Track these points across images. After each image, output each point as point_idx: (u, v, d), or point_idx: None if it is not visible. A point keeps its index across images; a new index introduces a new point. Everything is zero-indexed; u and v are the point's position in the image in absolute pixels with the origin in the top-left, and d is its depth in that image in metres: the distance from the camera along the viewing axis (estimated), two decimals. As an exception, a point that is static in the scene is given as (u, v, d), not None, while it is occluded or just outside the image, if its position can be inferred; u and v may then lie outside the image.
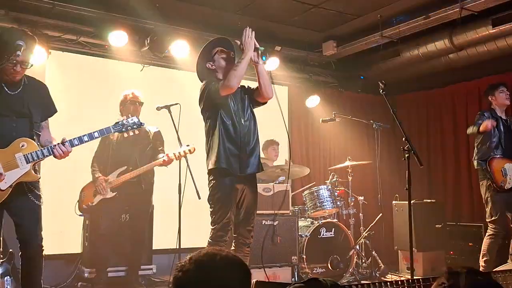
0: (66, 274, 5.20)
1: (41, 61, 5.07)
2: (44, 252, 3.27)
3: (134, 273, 4.95)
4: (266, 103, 3.91)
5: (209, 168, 3.73)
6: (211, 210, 3.74)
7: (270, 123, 6.99)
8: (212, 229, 3.69)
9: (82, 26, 5.38)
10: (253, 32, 3.62)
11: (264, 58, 3.66)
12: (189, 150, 4.62)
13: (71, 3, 5.14)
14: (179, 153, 4.59)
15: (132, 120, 3.52)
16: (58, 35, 5.31)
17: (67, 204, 5.06)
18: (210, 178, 3.75)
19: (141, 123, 3.57)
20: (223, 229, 3.63)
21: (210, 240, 3.68)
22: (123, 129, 3.46)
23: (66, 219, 5.23)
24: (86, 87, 5.77)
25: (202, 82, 3.86)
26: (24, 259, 3.19)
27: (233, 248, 3.77)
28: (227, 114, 3.68)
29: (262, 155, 6.34)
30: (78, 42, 5.46)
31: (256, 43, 3.63)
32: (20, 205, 3.13)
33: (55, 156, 3.15)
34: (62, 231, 5.28)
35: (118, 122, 3.47)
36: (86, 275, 4.91)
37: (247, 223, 3.76)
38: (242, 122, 3.73)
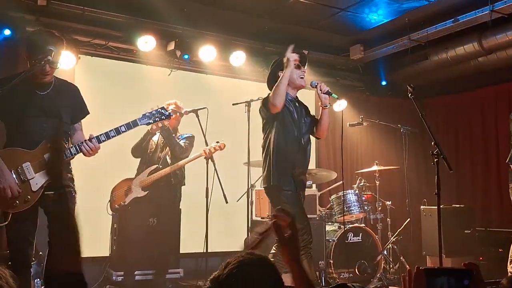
0: (93, 277, 5.20)
1: (70, 66, 5.16)
2: None
3: (161, 277, 4.97)
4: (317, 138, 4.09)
5: None
6: None
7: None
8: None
9: (111, 31, 5.49)
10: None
11: (333, 95, 3.79)
12: (219, 146, 4.71)
13: (101, 8, 5.24)
14: (209, 149, 4.69)
15: (159, 110, 3.50)
16: (88, 40, 5.42)
17: (95, 206, 5.14)
18: None
19: (169, 113, 3.58)
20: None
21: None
22: (150, 121, 3.45)
23: (94, 221, 5.32)
24: (115, 91, 5.88)
25: (269, 89, 3.95)
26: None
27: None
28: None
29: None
30: (107, 47, 5.57)
31: (328, 89, 3.77)
32: (55, 197, 3.13)
33: (84, 154, 3.15)
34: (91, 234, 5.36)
35: (145, 113, 3.45)
36: (114, 278, 4.97)
37: None
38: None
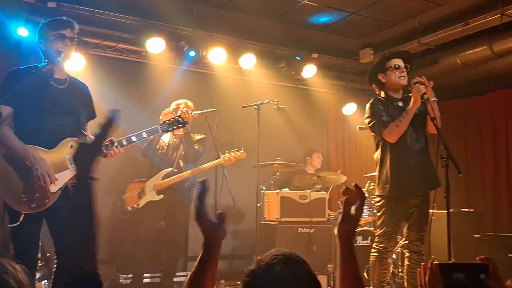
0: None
1: (79, 67, 5.18)
2: None
3: (169, 280, 4.99)
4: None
5: None
6: None
7: (312, 130, 7.06)
8: None
9: (121, 33, 5.51)
10: (427, 86, 3.66)
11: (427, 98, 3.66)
12: (240, 156, 4.78)
13: (110, 10, 5.27)
14: (229, 158, 4.74)
15: (176, 119, 3.61)
16: (97, 41, 5.44)
17: (101, 207, 5.17)
18: None
19: (185, 122, 3.68)
20: None
21: None
22: (169, 129, 3.56)
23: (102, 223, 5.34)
24: (124, 92, 5.86)
25: (370, 84, 4.08)
26: (61, 273, 3.01)
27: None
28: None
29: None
30: (116, 49, 5.59)
31: (424, 92, 3.65)
32: (67, 216, 2.86)
33: (105, 156, 3.14)
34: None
35: (165, 122, 3.56)
36: (121, 280, 4.99)
37: None
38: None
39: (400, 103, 3.96)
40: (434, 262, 1.48)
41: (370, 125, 3.94)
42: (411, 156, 3.84)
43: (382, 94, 4.03)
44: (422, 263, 1.56)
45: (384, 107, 3.90)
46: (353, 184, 1.69)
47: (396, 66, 3.93)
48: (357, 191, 1.62)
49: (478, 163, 7.08)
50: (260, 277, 1.36)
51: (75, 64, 5.05)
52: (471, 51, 5.95)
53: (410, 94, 3.90)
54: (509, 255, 5.74)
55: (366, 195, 5.62)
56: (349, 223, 1.61)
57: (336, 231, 5.36)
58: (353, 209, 1.61)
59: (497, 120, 6.87)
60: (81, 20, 5.20)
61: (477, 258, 1.53)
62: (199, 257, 1.54)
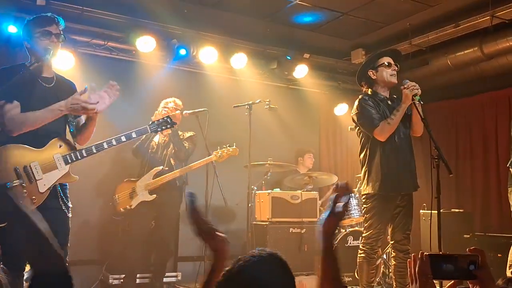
0: (88, 280, 5.19)
1: (69, 66, 5.12)
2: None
3: (159, 281, 4.95)
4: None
5: None
6: None
7: (303, 130, 7.06)
8: None
9: (110, 31, 5.47)
10: (415, 86, 3.70)
11: (418, 98, 3.71)
12: (232, 152, 4.77)
13: (100, 8, 5.23)
14: (221, 154, 4.71)
15: (165, 119, 3.59)
16: (86, 40, 5.39)
17: (91, 208, 5.12)
18: None
19: (174, 122, 3.66)
20: None
21: None
22: (158, 129, 3.53)
23: (90, 224, 5.30)
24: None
25: (359, 83, 4.06)
26: None
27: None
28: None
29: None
30: (106, 47, 5.54)
31: (417, 92, 3.69)
32: (53, 216, 2.92)
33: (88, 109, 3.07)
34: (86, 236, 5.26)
35: (154, 122, 3.53)
36: (111, 281, 4.96)
37: None
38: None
39: (389, 102, 3.97)
40: (425, 254, 1.48)
41: (360, 122, 3.92)
42: (400, 155, 3.85)
43: (370, 91, 4.00)
44: (413, 254, 1.55)
45: (373, 104, 3.89)
46: (346, 182, 1.69)
47: (388, 63, 3.93)
48: (347, 189, 1.63)
49: (468, 164, 7.11)
50: (233, 274, 1.34)
51: (64, 63, 5.00)
52: (462, 53, 5.98)
53: (395, 96, 3.92)
54: (499, 255, 5.78)
55: (357, 195, 5.64)
56: (335, 219, 1.61)
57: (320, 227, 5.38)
58: (340, 206, 1.62)
59: (487, 122, 6.90)
60: (71, 18, 5.19)
61: (467, 249, 1.54)
62: (209, 269, 1.60)
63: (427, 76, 6.58)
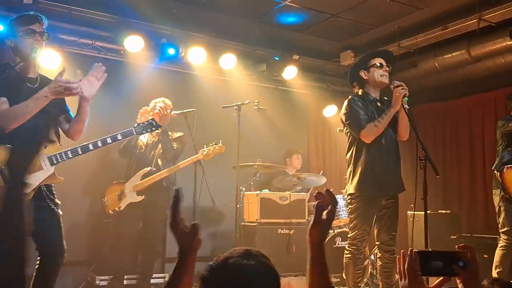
0: (74, 281, 5.14)
1: (56, 65, 5.06)
2: None
3: (146, 282, 4.92)
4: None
5: None
6: None
7: (292, 132, 7.06)
8: None
9: (98, 30, 5.44)
10: (404, 90, 3.71)
11: (407, 99, 3.74)
12: (218, 149, 4.74)
13: (87, 7, 5.20)
14: (208, 152, 4.69)
15: (150, 121, 3.59)
16: (74, 39, 5.34)
17: (78, 209, 5.08)
18: None
19: (158, 125, 3.66)
20: None
21: None
22: (143, 131, 3.54)
23: (77, 225, 5.25)
24: (101, 90, 5.72)
25: (351, 83, 4.07)
26: (43, 271, 3.04)
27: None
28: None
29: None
30: (94, 47, 5.50)
31: (406, 92, 3.71)
32: (42, 214, 3.01)
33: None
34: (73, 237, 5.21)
35: (139, 124, 3.54)
36: (97, 282, 4.92)
37: None
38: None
39: (379, 104, 3.99)
40: (414, 250, 1.49)
41: (347, 122, 3.94)
42: (385, 157, 3.87)
43: (360, 92, 4.02)
44: (402, 251, 1.55)
45: (362, 105, 3.91)
46: (325, 189, 1.67)
47: (380, 64, 3.95)
48: (329, 196, 1.60)
49: (455, 166, 7.17)
50: (215, 270, 1.33)
51: (51, 62, 4.95)
52: (449, 55, 6.03)
53: (386, 98, 3.94)
54: (485, 256, 5.83)
55: (345, 196, 5.64)
56: (320, 228, 1.58)
57: (307, 236, 5.38)
58: (324, 214, 1.58)
59: (474, 124, 6.97)
60: (58, 16, 5.15)
61: (456, 246, 1.55)
62: (174, 265, 1.53)
63: (415, 78, 6.63)
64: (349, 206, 3.99)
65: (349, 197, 3.98)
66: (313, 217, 1.60)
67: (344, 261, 3.98)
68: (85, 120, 3.16)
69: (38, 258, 3.06)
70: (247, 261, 1.33)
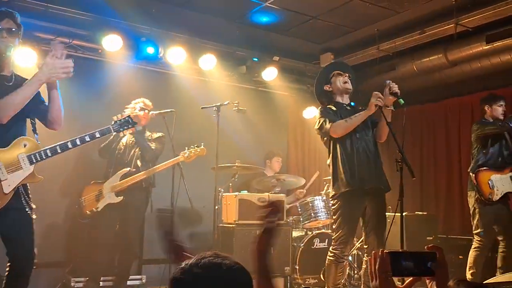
0: (49, 283, 5.06)
1: (32, 63, 4.97)
2: None
3: (123, 283, 4.87)
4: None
5: None
6: None
7: (272, 133, 7.06)
8: None
9: (76, 29, 5.36)
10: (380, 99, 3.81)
11: (400, 100, 3.81)
12: (200, 152, 4.71)
13: (65, 5, 5.12)
14: (189, 154, 4.66)
15: (127, 119, 3.56)
16: (50, 37, 5.23)
17: (50, 210, 5.00)
18: None
19: (134, 122, 3.63)
20: None
21: None
22: (120, 129, 3.50)
23: (54, 226, 5.18)
24: (79, 90, 5.63)
25: (320, 103, 4.16)
26: (14, 276, 2.95)
27: None
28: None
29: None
30: (71, 45, 5.41)
31: (398, 91, 3.81)
32: (16, 217, 2.94)
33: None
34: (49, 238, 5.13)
35: (116, 122, 3.50)
36: (73, 284, 4.85)
37: None
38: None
39: (348, 107, 4.07)
40: (385, 251, 1.50)
41: (319, 125, 3.98)
42: (363, 156, 3.92)
43: (332, 105, 4.11)
44: (373, 252, 1.56)
45: (334, 112, 4.00)
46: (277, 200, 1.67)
47: (339, 73, 4.08)
48: (278, 206, 1.59)
49: (432, 168, 7.27)
50: (181, 281, 1.30)
51: (26, 60, 4.87)
52: (427, 59, 6.11)
53: (360, 108, 4.01)
54: (460, 257, 5.92)
55: (324, 197, 5.68)
56: (267, 237, 1.57)
57: (294, 233, 5.43)
58: (272, 223, 1.57)
59: (451, 127, 7.07)
60: (35, 14, 5.08)
61: (425, 247, 1.57)
62: None
63: (393, 81, 6.65)
64: (332, 208, 4.03)
65: (331, 198, 4.02)
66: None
67: (327, 262, 3.99)
68: (60, 105, 3.10)
69: (8, 264, 2.98)
70: (220, 260, 1.31)
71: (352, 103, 4.15)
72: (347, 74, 4.09)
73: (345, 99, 4.11)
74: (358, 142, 3.92)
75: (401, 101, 3.82)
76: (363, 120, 3.85)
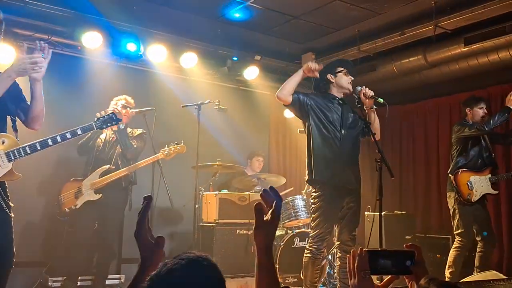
0: (26, 282, 4.99)
1: (10, 60, 4.78)
2: None
3: (101, 283, 4.81)
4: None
5: None
6: None
7: (254, 135, 7.06)
8: None
9: (55, 25, 5.29)
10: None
11: (379, 99, 3.91)
12: (179, 149, 4.68)
13: (44, 1, 5.05)
14: (169, 151, 4.63)
15: (110, 116, 3.52)
16: (29, 34, 5.16)
17: (28, 208, 4.93)
18: None
19: (119, 119, 3.61)
20: None
21: None
22: (103, 126, 3.46)
23: (31, 225, 5.10)
24: (58, 87, 5.53)
25: (316, 85, 4.25)
26: None
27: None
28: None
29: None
30: (50, 42, 5.29)
31: (372, 94, 3.91)
32: None
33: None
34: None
35: (99, 118, 3.46)
36: (50, 283, 4.79)
37: None
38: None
39: (340, 102, 4.12)
40: (364, 250, 1.51)
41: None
42: (336, 153, 3.96)
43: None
44: (352, 250, 1.57)
45: (314, 96, 4.11)
46: (269, 186, 1.62)
47: (347, 72, 4.15)
48: (273, 193, 1.53)
49: (411, 168, 7.36)
50: (160, 278, 1.26)
51: (5, 56, 4.78)
52: (407, 60, 6.18)
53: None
54: (438, 255, 6.01)
55: (304, 197, 5.70)
56: (265, 230, 1.50)
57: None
58: (268, 214, 1.51)
59: (429, 128, 7.16)
60: (13, 10, 4.99)
61: (404, 246, 1.58)
62: (133, 276, 1.49)
63: (374, 82, 6.73)
64: (312, 206, 4.05)
65: (312, 197, 4.05)
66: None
67: (304, 260, 4.02)
68: (41, 104, 3.04)
69: None
70: (189, 270, 1.27)
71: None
72: (352, 78, 4.17)
73: (339, 94, 4.17)
74: (339, 141, 3.97)
75: (380, 100, 3.89)
76: (297, 79, 3.99)
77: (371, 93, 3.91)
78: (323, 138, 3.96)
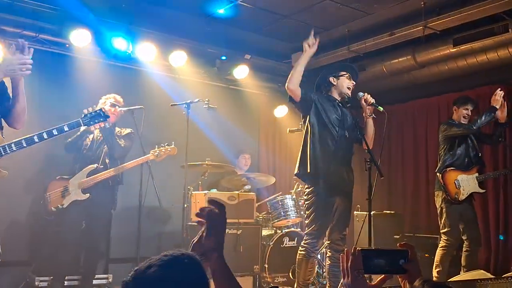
0: (12, 283, 4.95)
1: None
2: None
3: (88, 283, 4.77)
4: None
5: None
6: None
7: (243, 131, 7.04)
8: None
9: (42, 23, 5.23)
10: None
11: (379, 107, 4.01)
12: (170, 151, 4.65)
13: (32, -1, 4.98)
14: (159, 153, 4.59)
15: (98, 112, 3.48)
16: (17, 31, 5.09)
17: (14, 207, 4.88)
18: None
19: (107, 115, 3.58)
20: None
21: None
22: (91, 122, 3.43)
23: (17, 224, 5.05)
24: (46, 85, 5.47)
25: (317, 85, 4.28)
26: None
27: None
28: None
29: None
30: (37, 40, 5.28)
31: (374, 101, 4.01)
32: None
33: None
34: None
35: (87, 115, 3.43)
36: (37, 283, 4.74)
37: None
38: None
39: (340, 104, 4.17)
40: (357, 248, 1.50)
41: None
42: (332, 151, 4.00)
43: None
44: (345, 249, 1.56)
45: (318, 96, 4.11)
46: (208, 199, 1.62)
47: (349, 76, 4.20)
48: (212, 205, 1.54)
49: (400, 168, 7.40)
50: (142, 273, 1.26)
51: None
52: (396, 60, 6.21)
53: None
54: (426, 255, 6.04)
55: (294, 196, 5.70)
56: (214, 238, 1.51)
57: (263, 232, 5.43)
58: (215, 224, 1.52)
59: (418, 127, 7.21)
60: (0, 7, 4.90)
61: (398, 245, 1.58)
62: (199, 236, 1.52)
63: (363, 82, 6.72)
64: (306, 203, 4.07)
65: (306, 193, 4.07)
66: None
67: (298, 257, 4.04)
68: (24, 102, 3.01)
69: None
70: (173, 267, 1.27)
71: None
72: (354, 83, 4.21)
73: (336, 96, 4.21)
74: (333, 144, 4.01)
75: (380, 108, 3.95)
76: (303, 63, 4.03)
77: (372, 100, 3.97)
78: (321, 134, 3.99)
